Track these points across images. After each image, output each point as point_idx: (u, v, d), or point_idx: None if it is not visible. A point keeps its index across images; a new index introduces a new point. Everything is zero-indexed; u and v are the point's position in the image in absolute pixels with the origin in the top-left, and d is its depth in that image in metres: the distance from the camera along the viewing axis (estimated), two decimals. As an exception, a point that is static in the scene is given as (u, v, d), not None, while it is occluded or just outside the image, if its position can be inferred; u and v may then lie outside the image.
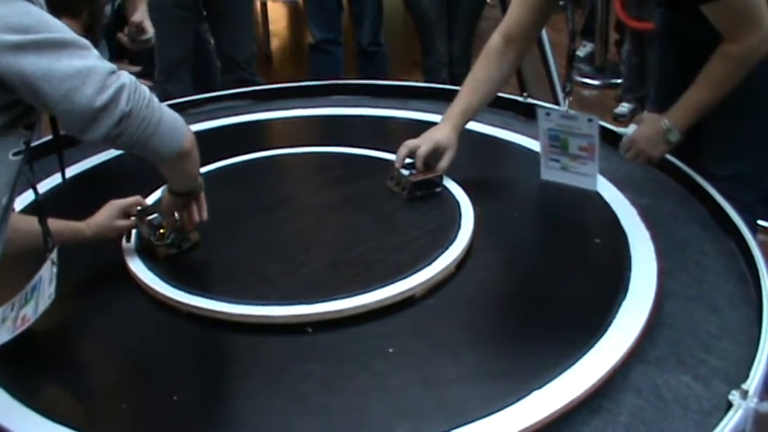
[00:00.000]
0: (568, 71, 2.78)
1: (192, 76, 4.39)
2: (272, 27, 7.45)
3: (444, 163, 2.31)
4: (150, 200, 2.17)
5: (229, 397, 1.65)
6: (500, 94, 2.59)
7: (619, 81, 5.77)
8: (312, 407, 1.58)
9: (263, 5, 7.03)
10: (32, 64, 1.41)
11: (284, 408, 1.58)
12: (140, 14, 3.09)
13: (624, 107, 5.41)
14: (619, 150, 2.42)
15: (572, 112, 2.38)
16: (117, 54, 3.60)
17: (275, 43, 7.36)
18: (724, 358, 1.71)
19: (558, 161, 2.35)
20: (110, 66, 1.49)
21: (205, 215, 1.99)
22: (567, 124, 2.31)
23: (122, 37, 3.20)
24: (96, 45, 1.55)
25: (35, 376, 1.72)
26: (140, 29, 3.03)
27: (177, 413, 1.59)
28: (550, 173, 2.38)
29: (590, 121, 2.27)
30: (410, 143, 2.33)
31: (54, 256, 1.76)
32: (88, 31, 1.69)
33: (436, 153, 2.31)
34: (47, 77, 1.42)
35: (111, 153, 2.60)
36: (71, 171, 2.48)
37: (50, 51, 1.43)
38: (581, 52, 6.20)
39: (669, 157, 2.38)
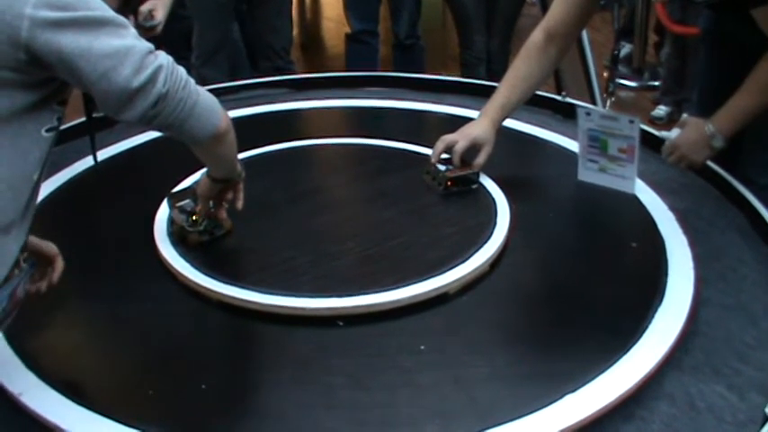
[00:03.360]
0: (612, 72, 2.76)
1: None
2: (325, 13, 7.48)
3: (481, 159, 2.29)
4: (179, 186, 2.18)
5: (258, 387, 1.64)
6: (538, 93, 2.56)
7: (656, 83, 5.74)
8: (340, 401, 1.57)
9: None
10: (71, 42, 1.40)
11: (312, 400, 1.57)
12: (156, 2, 3.05)
13: (661, 110, 5.37)
14: (661, 154, 2.38)
15: (613, 112, 2.35)
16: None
17: (327, 28, 7.40)
18: (761, 369, 1.68)
19: (596, 162, 2.32)
20: (147, 45, 1.48)
21: (240, 205, 1.98)
22: (607, 125, 2.28)
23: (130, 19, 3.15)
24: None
25: (64, 360, 1.72)
26: (150, 15, 2.99)
27: (205, 401, 1.59)
28: (588, 174, 2.35)
29: (631, 122, 2.24)
30: (447, 138, 2.31)
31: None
32: (125, 6, 1.67)
33: (473, 149, 2.29)
34: (85, 56, 1.41)
35: (144, 137, 2.60)
36: (104, 153, 2.48)
37: (89, 29, 1.42)
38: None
39: (709, 162, 2.34)
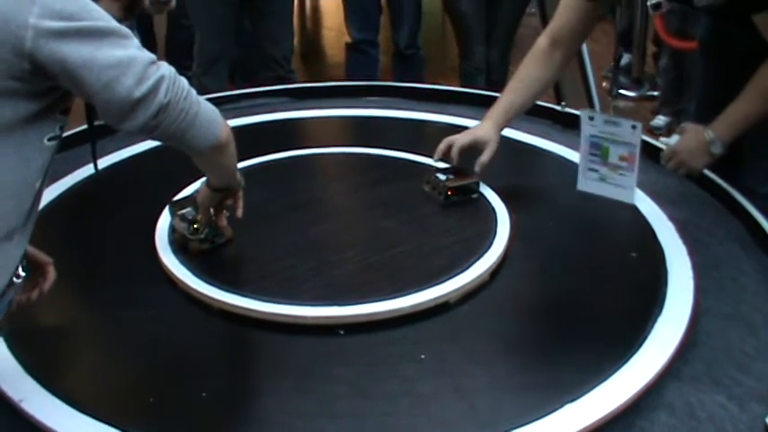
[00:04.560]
0: (615, 75, 2.77)
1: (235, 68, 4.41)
2: (325, 22, 7.52)
3: (485, 157, 2.30)
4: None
5: (258, 396, 1.64)
6: (538, 103, 2.57)
7: (655, 93, 5.74)
8: (341, 410, 1.57)
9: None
10: (74, 52, 1.40)
11: (313, 409, 1.57)
12: None
13: (660, 120, 5.38)
14: (660, 161, 2.39)
15: (615, 117, 2.35)
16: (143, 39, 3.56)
17: (328, 38, 7.43)
18: (761, 380, 1.68)
19: (596, 171, 2.32)
20: (150, 56, 1.48)
21: (240, 213, 1.98)
22: (609, 131, 2.28)
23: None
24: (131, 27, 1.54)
25: (64, 367, 1.72)
26: None
27: (205, 409, 1.59)
28: (588, 184, 2.35)
29: (633, 128, 2.24)
30: (450, 138, 2.33)
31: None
32: (128, 12, 1.68)
33: (475, 154, 2.29)
34: (88, 66, 1.41)
35: (146, 145, 2.60)
36: (106, 161, 2.48)
37: (93, 40, 1.42)
38: (618, 64, 6.17)
39: (709, 173, 2.35)
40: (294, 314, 1.79)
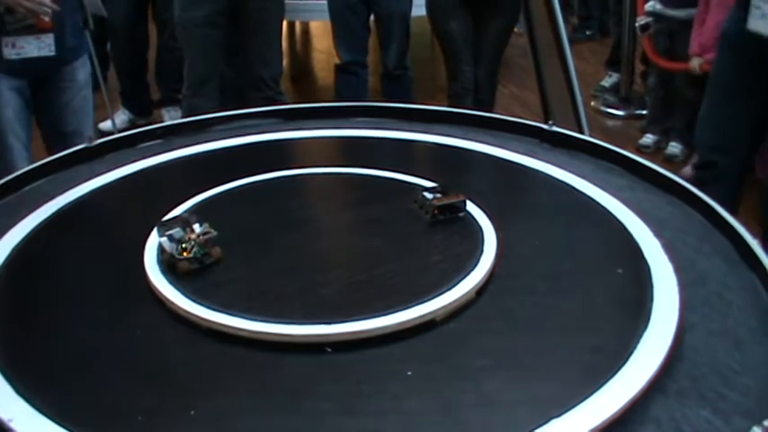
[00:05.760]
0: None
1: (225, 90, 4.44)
2: (315, 44, 7.57)
3: None
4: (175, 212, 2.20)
5: (246, 414, 1.64)
6: (525, 122, 2.58)
7: (644, 112, 5.78)
8: (328, 427, 1.57)
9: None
10: None
11: (300, 427, 1.58)
12: None
13: (648, 138, 5.42)
14: None
15: None
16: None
17: (317, 60, 7.47)
18: (745, 394, 1.69)
19: (759, 8, 2.51)
20: None
21: None
22: None
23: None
24: None
25: (53, 387, 1.72)
26: None
27: (194, 428, 1.59)
28: (754, 22, 2.51)
29: None
30: None
31: None
32: None
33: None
34: None
35: (134, 167, 2.61)
36: (94, 183, 2.49)
37: None
38: (606, 82, 6.22)
39: (696, 190, 2.36)
40: (282, 332, 1.79)
